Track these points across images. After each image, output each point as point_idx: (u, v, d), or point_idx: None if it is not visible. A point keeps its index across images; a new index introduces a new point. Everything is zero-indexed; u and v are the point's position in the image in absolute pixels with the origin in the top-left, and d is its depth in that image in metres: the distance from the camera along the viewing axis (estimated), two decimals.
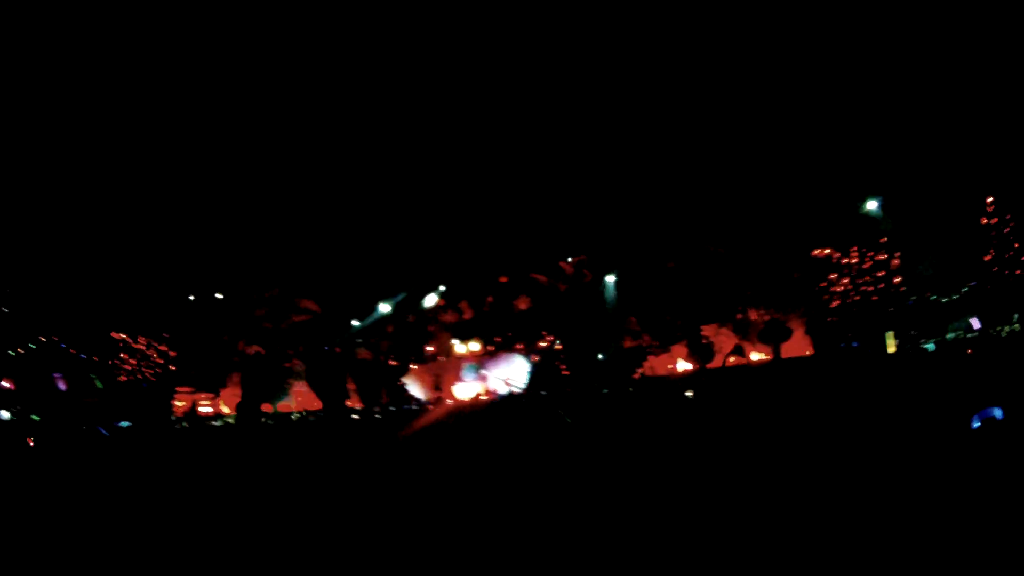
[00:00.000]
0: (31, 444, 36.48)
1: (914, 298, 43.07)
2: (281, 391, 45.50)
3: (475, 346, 47.07)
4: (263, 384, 45.60)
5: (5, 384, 43.99)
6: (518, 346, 46.69)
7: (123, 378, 45.53)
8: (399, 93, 42.59)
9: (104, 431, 38.77)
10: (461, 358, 46.73)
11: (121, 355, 45.79)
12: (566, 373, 45.34)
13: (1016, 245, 40.66)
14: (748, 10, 37.84)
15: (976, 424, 12.72)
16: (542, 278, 47.32)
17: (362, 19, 38.58)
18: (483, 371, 45.85)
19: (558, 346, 46.11)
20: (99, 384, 44.58)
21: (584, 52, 41.43)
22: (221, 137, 42.48)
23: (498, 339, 46.98)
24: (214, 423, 44.41)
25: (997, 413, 12.45)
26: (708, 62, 40.65)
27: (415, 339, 47.31)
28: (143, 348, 46.13)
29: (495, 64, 41.67)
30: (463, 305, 47.46)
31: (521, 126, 43.72)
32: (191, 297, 46.36)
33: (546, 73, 41.57)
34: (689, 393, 36.34)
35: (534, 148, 44.22)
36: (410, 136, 43.68)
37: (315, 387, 45.80)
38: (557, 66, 41.72)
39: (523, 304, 47.13)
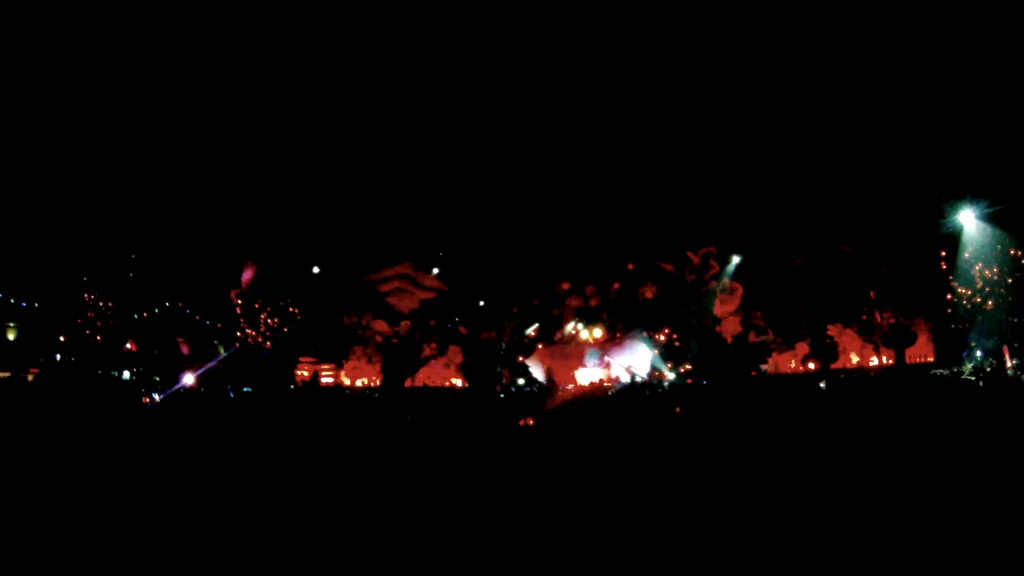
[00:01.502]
0: (150, 403, 36.06)
1: None
2: (405, 365, 44.96)
3: (597, 332, 46.86)
4: (386, 358, 45.01)
5: (129, 346, 43.10)
6: (643, 336, 46.56)
7: (245, 345, 44.57)
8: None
9: (231, 392, 38.41)
10: (585, 343, 46.50)
11: (244, 323, 44.81)
12: (687, 367, 45.37)
13: None
14: None
15: None
16: (669, 267, 47.20)
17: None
18: (606, 357, 45.70)
19: (684, 336, 46.04)
20: (222, 350, 43.69)
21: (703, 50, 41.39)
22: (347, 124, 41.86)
23: (621, 325, 46.78)
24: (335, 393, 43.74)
25: None
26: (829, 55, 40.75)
27: (540, 321, 46.93)
28: (268, 317, 45.16)
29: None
30: (589, 290, 47.16)
31: (652, 119, 43.56)
32: (316, 269, 45.35)
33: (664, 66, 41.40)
34: (821, 385, 36.78)
35: (666, 139, 44.13)
36: (550, 126, 43.37)
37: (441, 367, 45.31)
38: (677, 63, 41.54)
39: (649, 292, 46.98)
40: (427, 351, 45.93)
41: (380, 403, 39.65)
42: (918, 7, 38.43)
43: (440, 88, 40.99)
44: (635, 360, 45.93)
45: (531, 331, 46.62)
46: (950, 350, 44.84)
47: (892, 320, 45.97)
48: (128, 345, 42.93)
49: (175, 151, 39.40)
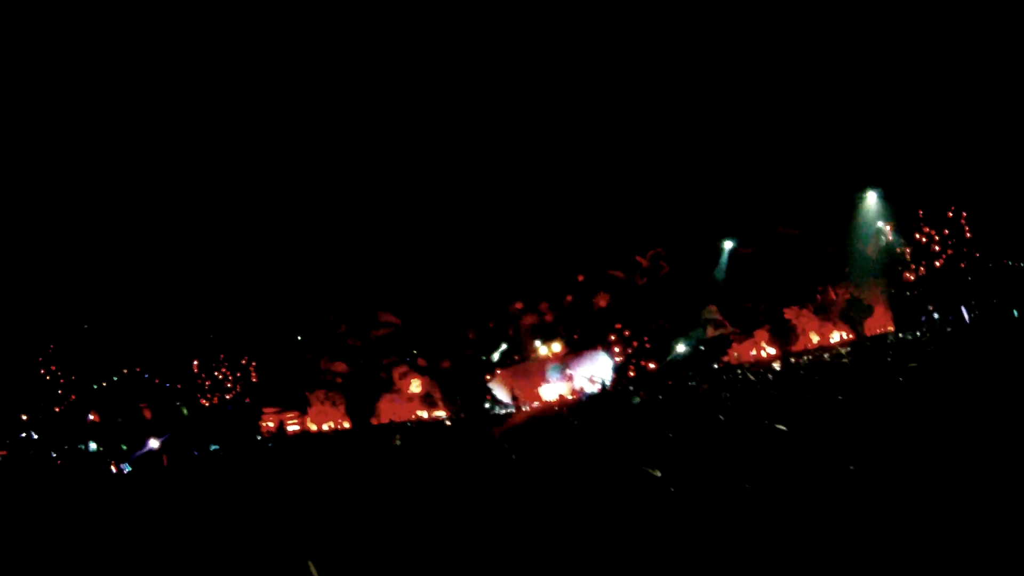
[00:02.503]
0: (119, 471, 36.28)
1: (991, 265, 43.55)
2: (368, 405, 45.09)
3: (557, 346, 46.95)
4: (349, 399, 45.20)
5: (91, 417, 43.45)
6: (601, 343, 46.65)
7: (209, 403, 44.89)
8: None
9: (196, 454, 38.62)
10: (545, 359, 46.56)
11: (204, 381, 45.19)
12: (652, 367, 45.34)
13: None
14: None
15: None
16: (619, 274, 47.44)
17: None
18: (568, 371, 45.72)
19: (642, 339, 46.07)
20: (185, 411, 43.99)
21: (648, 47, 41.97)
22: (289, 159, 42.53)
23: (578, 338, 46.90)
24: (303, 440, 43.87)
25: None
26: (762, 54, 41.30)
27: (497, 344, 47.09)
28: (225, 372, 45.55)
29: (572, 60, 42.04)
30: (543, 307, 47.36)
31: (586, 126, 44.08)
32: (271, 319, 45.87)
33: (609, 64, 41.98)
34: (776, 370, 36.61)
35: (598, 147, 44.61)
36: (482, 140, 43.89)
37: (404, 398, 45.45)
38: (615, 61, 42.14)
39: (603, 301, 47.17)
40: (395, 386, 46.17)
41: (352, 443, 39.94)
42: None
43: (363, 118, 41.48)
44: (597, 369, 45.91)
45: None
46: (908, 317, 44.80)
47: (847, 295, 45.98)
48: (91, 416, 43.28)
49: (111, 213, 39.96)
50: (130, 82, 36.50)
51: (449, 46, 39.53)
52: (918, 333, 41.31)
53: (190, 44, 37.38)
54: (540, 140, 43.31)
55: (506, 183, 44.43)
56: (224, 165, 40.46)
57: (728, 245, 46.13)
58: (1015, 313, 40.71)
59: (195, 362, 45.08)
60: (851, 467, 11.70)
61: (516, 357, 47.45)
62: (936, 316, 43.86)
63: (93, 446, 42.07)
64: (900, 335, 42.60)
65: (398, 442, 37.79)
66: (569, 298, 47.28)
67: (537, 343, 47.02)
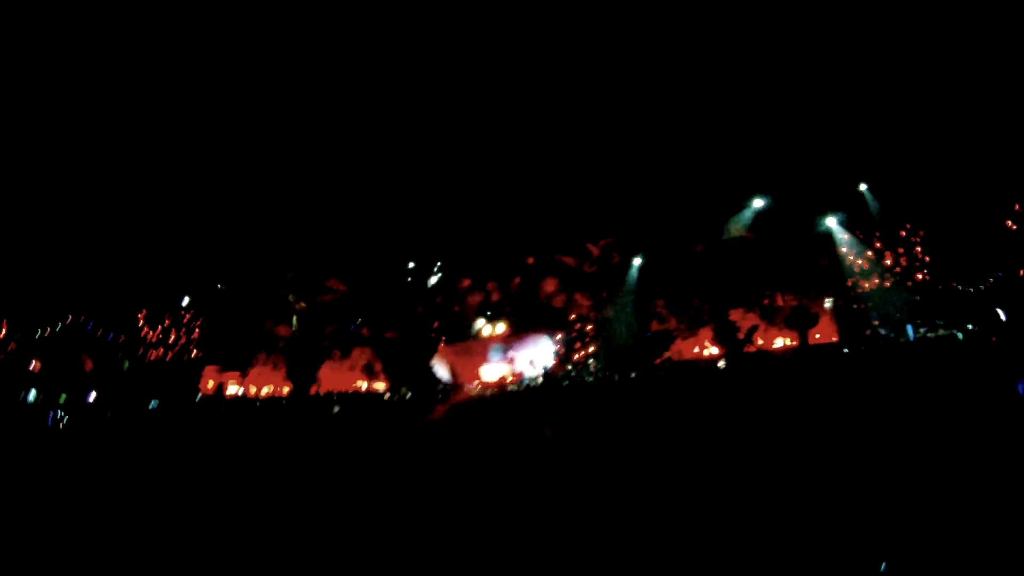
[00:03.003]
0: (58, 423, 36.84)
1: (940, 287, 43.38)
2: (308, 371, 45.46)
3: (501, 327, 47.09)
4: (290, 365, 45.52)
5: (32, 364, 43.89)
6: (544, 328, 46.77)
7: (150, 358, 45.25)
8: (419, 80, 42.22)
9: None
10: (488, 339, 46.74)
11: (147, 335, 45.49)
12: (590, 354, 45.58)
13: None
14: None
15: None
16: (569, 260, 47.28)
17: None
18: (510, 353, 45.95)
19: (586, 328, 46.19)
20: (126, 364, 44.43)
21: (601, 36, 41.13)
22: (253, 123, 42.10)
23: (524, 321, 46.99)
24: (241, 403, 44.37)
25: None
26: (721, 50, 40.50)
27: (442, 320, 47.21)
28: (169, 328, 45.84)
29: (518, 49, 41.30)
30: (490, 286, 47.34)
31: (546, 109, 43.46)
32: (217, 279, 45.92)
33: (570, 56, 41.25)
34: (720, 364, 36.89)
35: (560, 130, 44.04)
36: (436, 117, 43.36)
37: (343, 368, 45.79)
38: (577, 49, 41.38)
39: (550, 286, 47.12)
40: (333, 355, 46.43)
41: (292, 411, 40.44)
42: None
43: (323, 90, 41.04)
44: (538, 354, 46.16)
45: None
46: (853, 330, 44.82)
47: (794, 303, 45.86)
48: (32, 364, 43.73)
49: (73, 155, 39.78)
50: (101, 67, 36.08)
51: (424, 38, 38.79)
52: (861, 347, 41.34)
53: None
54: (507, 124, 42.77)
55: (469, 163, 43.94)
56: (182, 123, 40.01)
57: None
58: (959, 336, 40.65)
59: (140, 315, 45.12)
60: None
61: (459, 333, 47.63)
62: (882, 332, 43.79)
63: (33, 394, 42.54)
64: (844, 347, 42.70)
65: (336, 409, 38.46)
66: (517, 280, 47.10)
67: (481, 322, 47.04)
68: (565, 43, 41.07)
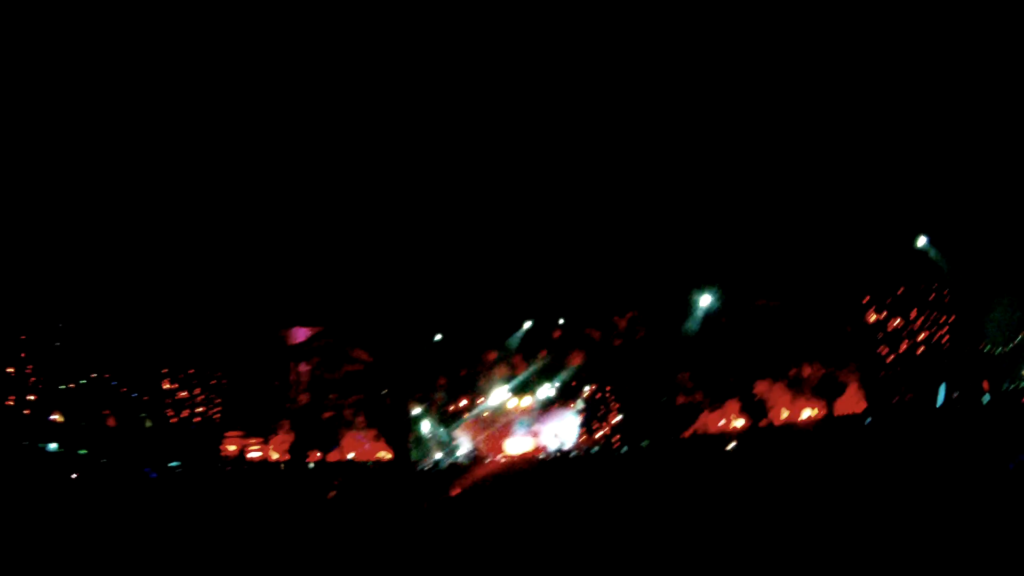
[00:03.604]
0: (76, 479, 36.29)
1: (968, 350, 43.36)
2: (332, 440, 44.94)
3: (527, 401, 46.85)
4: (314, 432, 45.07)
5: (55, 417, 43.56)
6: (570, 403, 46.55)
7: (174, 419, 44.92)
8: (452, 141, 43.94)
9: (152, 473, 38.47)
10: (513, 412, 46.42)
11: (171, 396, 45.36)
12: (616, 428, 45.13)
13: None
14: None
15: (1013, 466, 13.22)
16: (595, 333, 47.65)
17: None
18: (534, 426, 45.56)
19: (610, 401, 45.95)
20: (149, 423, 44.06)
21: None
22: (284, 183, 43.64)
23: (551, 395, 46.87)
24: (262, 468, 43.68)
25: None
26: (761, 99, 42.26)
27: (468, 392, 47.10)
28: (195, 390, 45.75)
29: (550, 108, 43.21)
30: (516, 360, 47.49)
31: (569, 184, 44.99)
32: (245, 342, 46.25)
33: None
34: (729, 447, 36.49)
35: (583, 204, 45.41)
36: (469, 190, 44.89)
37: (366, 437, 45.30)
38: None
39: (576, 360, 47.27)
40: (356, 423, 46.07)
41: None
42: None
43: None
44: (562, 427, 45.78)
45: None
46: (881, 399, 44.42)
47: (820, 372, 45.74)
48: (54, 416, 43.45)
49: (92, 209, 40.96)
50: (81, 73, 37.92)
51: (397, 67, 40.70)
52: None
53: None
54: (521, 182, 44.18)
55: (486, 230, 45.06)
56: (211, 178, 41.49)
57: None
58: (984, 400, 40.38)
59: (164, 373, 45.19)
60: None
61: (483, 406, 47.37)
62: (909, 398, 43.46)
63: (53, 447, 42.02)
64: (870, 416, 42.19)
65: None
66: (543, 353, 47.30)
67: (508, 395, 46.91)
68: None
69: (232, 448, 44.92)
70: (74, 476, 37.01)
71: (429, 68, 40.58)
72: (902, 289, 45.26)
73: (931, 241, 43.20)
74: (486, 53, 40.05)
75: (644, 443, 43.21)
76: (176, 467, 41.29)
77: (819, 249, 44.56)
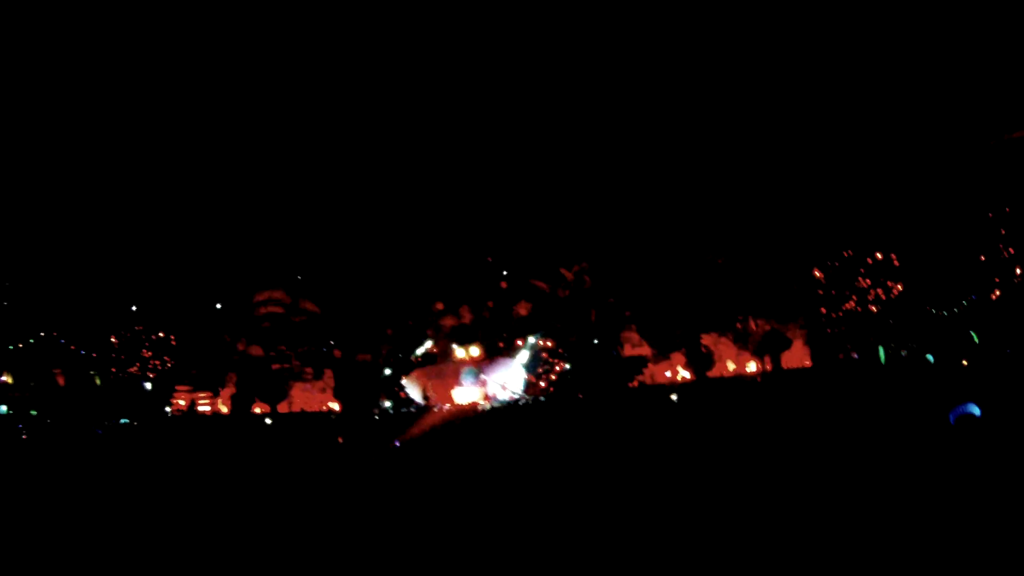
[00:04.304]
0: (26, 438, 36.71)
1: (913, 311, 43.10)
2: (280, 391, 45.36)
3: (475, 351, 46.97)
4: (262, 384, 45.43)
5: (4, 378, 43.94)
6: (517, 352, 46.68)
7: (123, 375, 45.29)
8: (399, 97, 42.77)
9: (99, 431, 38.87)
10: (460, 362, 46.61)
11: (121, 353, 45.60)
12: (562, 378, 45.33)
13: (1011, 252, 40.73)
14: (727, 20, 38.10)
15: (954, 419, 12.87)
16: (543, 285, 47.34)
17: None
18: (482, 376, 45.74)
19: (557, 351, 46.02)
20: (98, 380, 44.45)
21: (582, 62, 41.70)
22: (225, 139, 42.73)
23: (499, 344, 46.89)
24: (212, 422, 44.22)
25: (975, 410, 12.55)
26: (707, 72, 40.91)
27: (415, 343, 47.21)
28: (143, 346, 45.95)
29: (495, 72, 41.86)
30: (463, 310, 47.36)
31: (523, 136, 44.00)
32: (192, 296, 46.11)
33: (550, 79, 41.76)
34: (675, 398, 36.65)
35: (536, 158, 44.52)
36: (413, 141, 43.92)
37: (316, 388, 45.68)
38: (559, 73, 41.93)
39: (523, 310, 47.12)
40: (305, 375, 46.40)
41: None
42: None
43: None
44: (509, 377, 45.99)
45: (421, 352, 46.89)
46: (825, 354, 44.50)
47: (767, 327, 45.63)
48: (3, 377, 43.81)
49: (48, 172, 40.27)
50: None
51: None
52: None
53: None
54: (483, 144, 43.34)
55: (441, 188, 44.41)
56: (164, 142, 40.64)
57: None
58: (929, 359, 40.45)
59: (112, 333, 45.34)
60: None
61: (432, 356, 47.56)
62: (854, 356, 43.53)
63: (3, 408, 42.55)
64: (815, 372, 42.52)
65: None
66: (491, 304, 47.16)
67: (454, 346, 46.98)
68: (534, 63, 41.68)
69: (182, 402, 45.35)
70: (24, 437, 37.57)
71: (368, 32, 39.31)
72: (849, 252, 44.43)
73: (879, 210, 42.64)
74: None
75: (591, 393, 43.58)
76: (126, 423, 41.86)
77: (770, 208, 44.02)
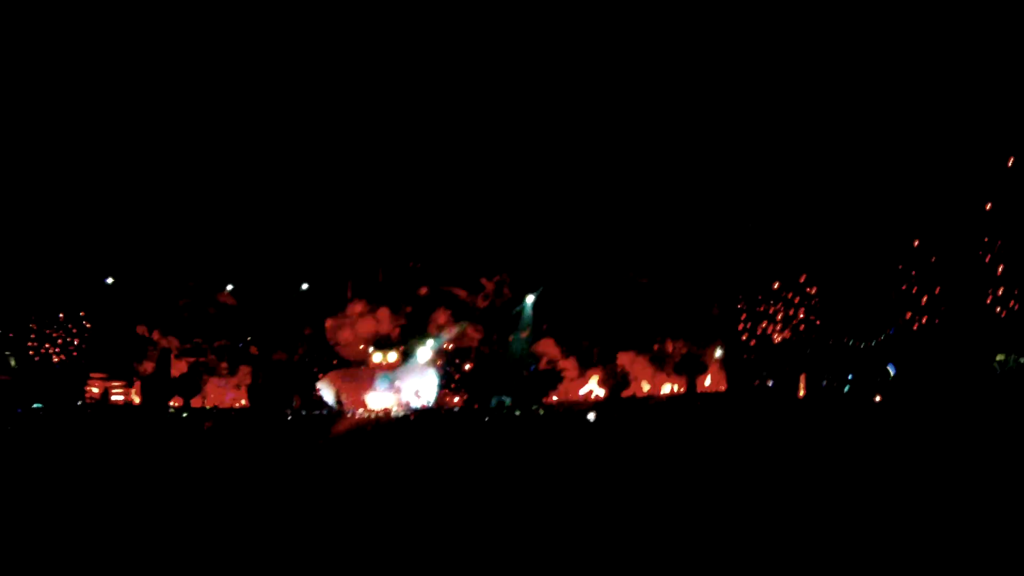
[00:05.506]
0: None
1: (831, 341, 42.39)
2: (194, 385, 45.32)
3: (392, 356, 46.68)
4: (176, 377, 45.45)
5: None
6: (434, 361, 46.44)
7: (37, 359, 45.53)
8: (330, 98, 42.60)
9: (19, 410, 39.07)
10: (376, 367, 46.37)
11: (36, 336, 45.84)
12: (472, 390, 45.10)
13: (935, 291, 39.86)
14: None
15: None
16: (462, 293, 47.04)
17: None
18: (397, 382, 45.51)
19: (469, 364, 45.74)
20: (13, 363, 44.69)
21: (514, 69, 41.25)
22: (156, 129, 42.77)
23: (413, 352, 46.67)
24: (125, 412, 44.20)
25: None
26: (632, 89, 40.35)
27: (331, 345, 47.03)
28: (59, 330, 46.15)
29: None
30: (382, 314, 47.09)
31: (456, 141, 43.57)
32: (109, 281, 46.04)
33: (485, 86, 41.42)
34: (591, 417, 36.30)
35: (466, 167, 44.11)
36: (346, 141, 43.70)
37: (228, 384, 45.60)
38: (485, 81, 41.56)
39: (441, 318, 46.82)
40: (219, 370, 46.36)
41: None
42: None
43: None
44: (423, 385, 45.75)
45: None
46: (741, 379, 43.95)
47: (684, 350, 45.10)
48: None
49: None
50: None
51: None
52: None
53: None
54: (416, 150, 43.06)
55: (368, 190, 44.14)
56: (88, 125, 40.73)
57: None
58: (845, 389, 40.05)
59: (31, 315, 45.57)
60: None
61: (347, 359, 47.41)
62: (770, 384, 42.95)
63: None
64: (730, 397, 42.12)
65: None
66: (409, 309, 46.88)
67: (371, 349, 46.73)
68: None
69: (95, 390, 45.42)
70: None
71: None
72: (776, 284, 43.85)
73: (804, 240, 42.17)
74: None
75: (505, 404, 43.32)
76: (39, 408, 41.96)
77: (694, 233, 43.57)
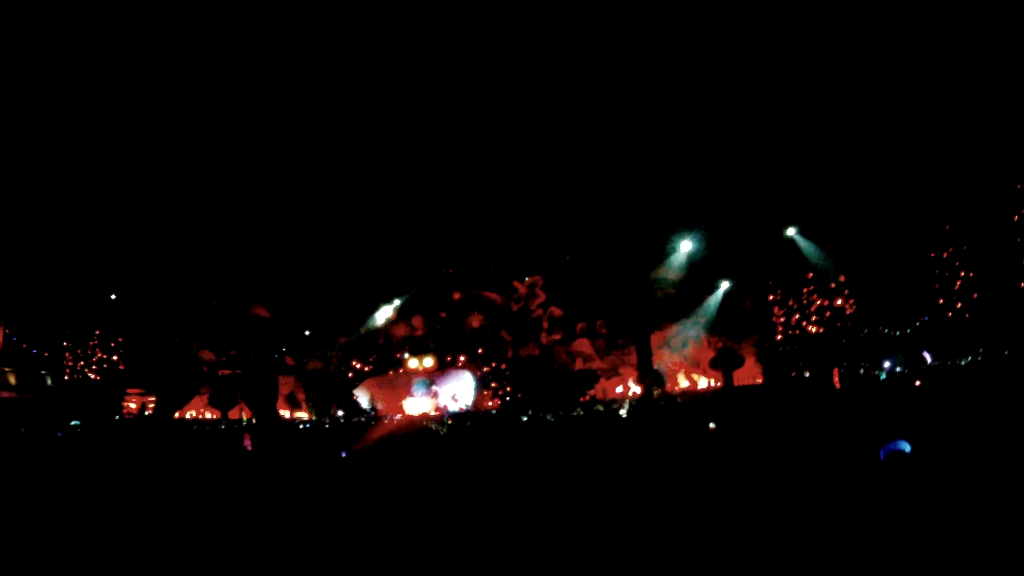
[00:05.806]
0: None
1: (866, 331, 42.65)
2: (231, 397, 45.32)
3: (428, 362, 46.83)
4: (213, 389, 45.48)
5: None
6: (468, 363, 46.56)
7: (74, 376, 45.55)
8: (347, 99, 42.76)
9: (59, 432, 39.05)
10: (412, 373, 46.50)
11: (71, 353, 45.84)
12: (512, 392, 45.13)
13: (969, 275, 40.29)
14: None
15: (883, 456, 12.79)
16: (496, 296, 47.23)
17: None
18: (434, 387, 45.61)
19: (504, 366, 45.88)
20: (49, 380, 44.68)
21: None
22: (181, 140, 42.87)
23: (449, 356, 46.76)
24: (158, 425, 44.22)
25: (904, 447, 12.60)
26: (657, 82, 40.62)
27: (366, 352, 47.12)
28: (94, 347, 46.17)
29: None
30: (416, 321, 47.26)
31: (482, 146, 43.78)
32: (144, 296, 46.18)
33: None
34: (623, 413, 36.47)
35: (492, 168, 44.31)
36: (375, 148, 43.87)
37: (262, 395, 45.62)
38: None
39: (476, 322, 46.98)
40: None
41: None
42: None
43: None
44: (461, 389, 45.84)
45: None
46: (777, 373, 44.06)
47: (720, 344, 45.23)
48: None
49: None
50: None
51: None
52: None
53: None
54: (443, 155, 43.26)
55: (394, 197, 44.30)
56: (107, 139, 40.82)
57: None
58: (881, 377, 40.13)
59: (66, 331, 45.57)
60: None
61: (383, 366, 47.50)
62: (806, 375, 43.08)
63: None
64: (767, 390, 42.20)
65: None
66: (443, 315, 47.05)
67: (407, 355, 46.87)
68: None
69: (133, 406, 45.46)
70: None
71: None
72: (811, 275, 44.16)
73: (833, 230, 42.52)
74: None
75: (541, 406, 43.35)
76: (76, 426, 41.93)
77: (723, 232, 43.87)
